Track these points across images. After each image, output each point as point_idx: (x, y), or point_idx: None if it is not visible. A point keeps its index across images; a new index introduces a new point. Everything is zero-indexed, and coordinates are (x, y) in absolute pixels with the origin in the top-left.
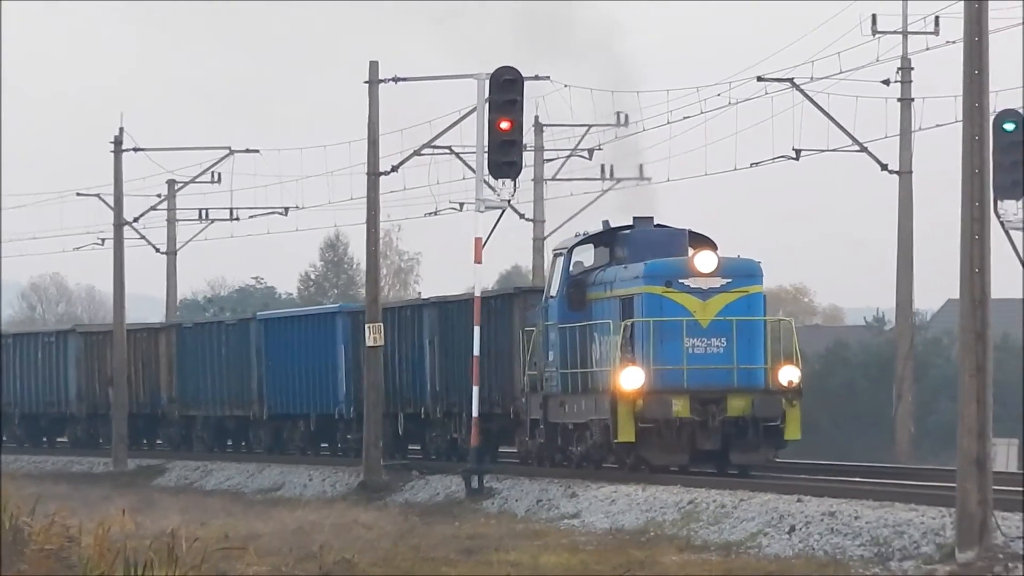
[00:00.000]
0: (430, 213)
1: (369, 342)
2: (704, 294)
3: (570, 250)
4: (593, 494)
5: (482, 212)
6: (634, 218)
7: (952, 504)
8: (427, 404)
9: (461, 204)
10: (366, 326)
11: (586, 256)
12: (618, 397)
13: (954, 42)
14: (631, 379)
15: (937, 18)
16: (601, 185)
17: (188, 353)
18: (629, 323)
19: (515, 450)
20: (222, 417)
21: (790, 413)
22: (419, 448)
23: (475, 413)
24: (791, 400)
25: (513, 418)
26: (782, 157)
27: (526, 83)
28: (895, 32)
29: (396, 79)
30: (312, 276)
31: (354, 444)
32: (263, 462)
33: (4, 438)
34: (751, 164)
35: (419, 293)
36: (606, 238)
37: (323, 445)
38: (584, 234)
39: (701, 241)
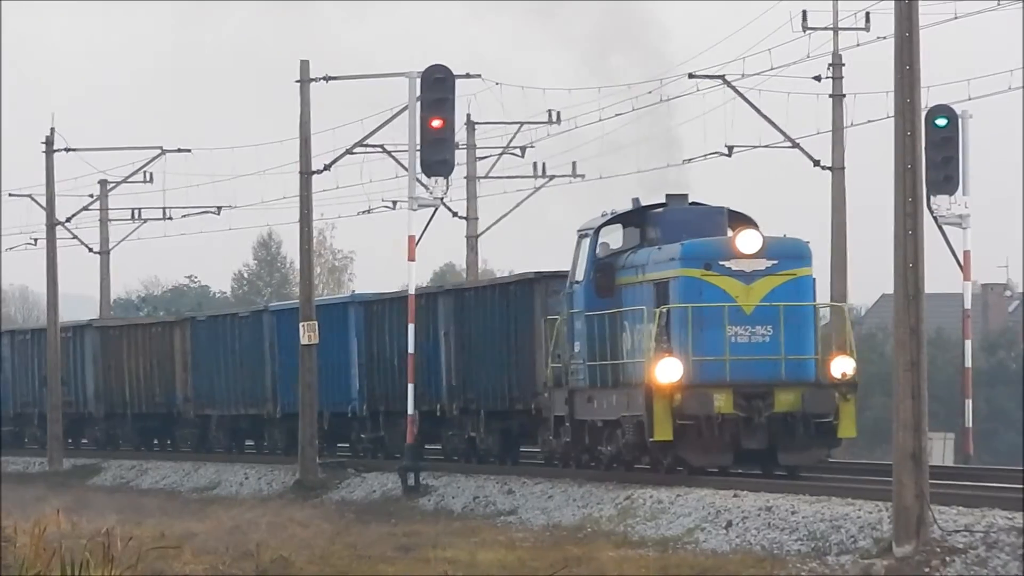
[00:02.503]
0: (363, 211)
1: (304, 340)
2: (748, 277)
3: (596, 231)
4: (530, 490)
5: (415, 210)
6: (667, 195)
7: (889, 498)
8: (443, 401)
9: (394, 202)
10: (300, 324)
11: (614, 237)
12: (653, 391)
13: (885, 38)
14: (668, 371)
15: (868, 14)
16: (534, 183)
17: (202, 349)
18: (664, 310)
19: (538, 450)
20: (236, 416)
21: (844, 408)
22: (438, 448)
23: (410, 411)
24: (845, 394)
25: (535, 415)
26: (714, 154)
27: (457, 81)
28: (826, 28)
29: (327, 78)
30: (246, 275)
31: (369, 445)
32: (198, 460)
33: (25, 440)
34: (683, 161)
35: (353, 291)
36: (636, 217)
37: (340, 445)
38: (612, 213)
39: (741, 220)
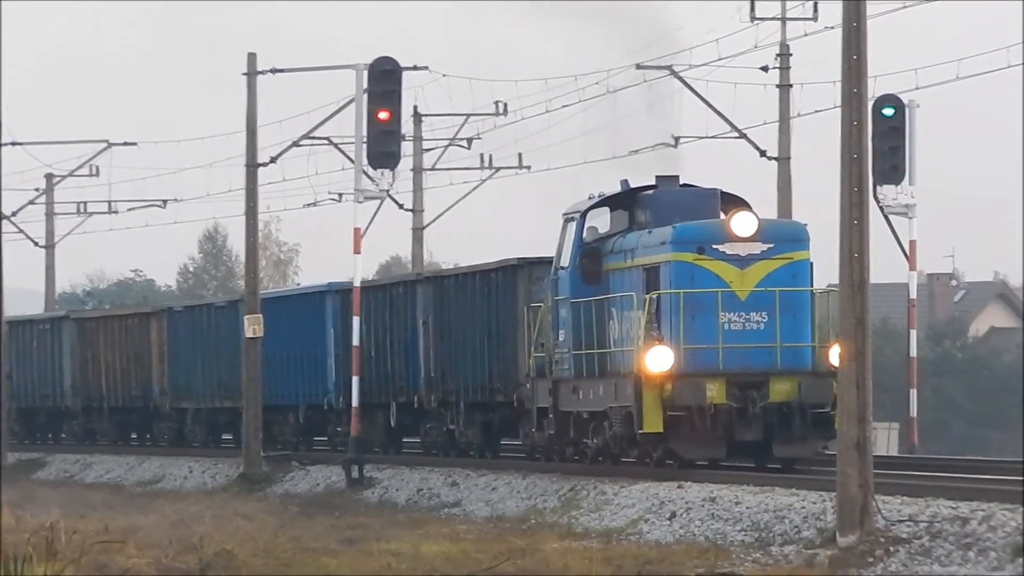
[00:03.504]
0: (309, 204)
1: (248, 333)
2: (742, 262)
3: (583, 214)
4: (474, 482)
5: (361, 202)
6: (657, 177)
7: (833, 489)
8: (421, 392)
9: (340, 195)
10: (245, 317)
11: (601, 221)
12: (643, 381)
13: (833, 28)
14: (658, 360)
15: (816, 4)
16: (480, 174)
17: (178, 340)
18: (654, 296)
19: (519, 443)
20: (213, 409)
21: None
22: (417, 441)
23: (355, 403)
24: None
25: (517, 407)
26: (661, 144)
27: (404, 73)
28: (773, 19)
29: (274, 70)
30: (191, 268)
31: (346, 438)
32: (142, 454)
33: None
34: (630, 152)
35: (298, 283)
36: (625, 200)
37: (316, 439)
38: (599, 196)
39: (734, 202)
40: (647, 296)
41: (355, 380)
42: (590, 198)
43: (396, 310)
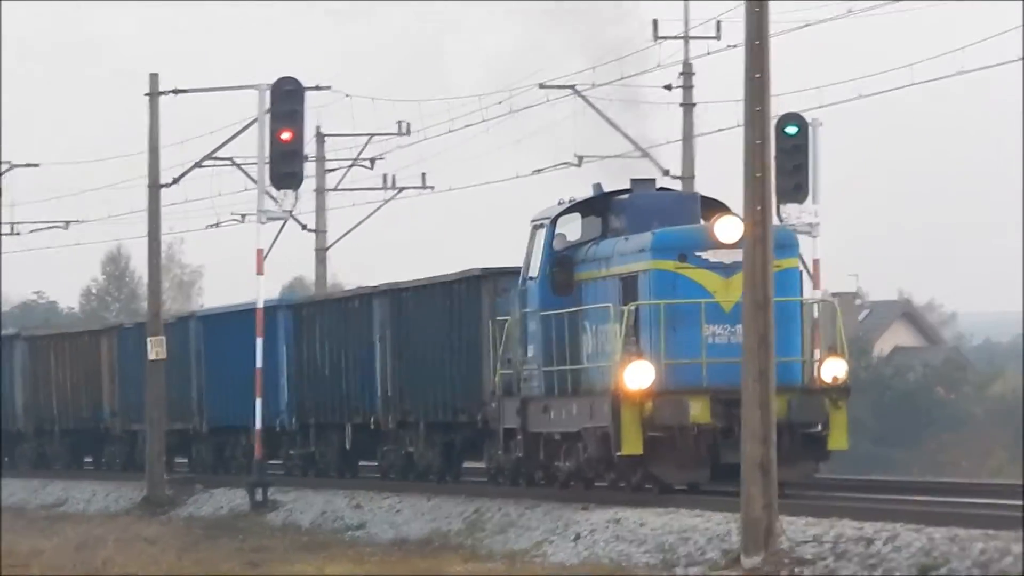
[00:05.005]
0: (212, 225)
1: (151, 356)
2: (726, 270)
3: (553, 220)
4: (378, 505)
5: (264, 223)
6: (632, 180)
7: (737, 510)
8: (378, 413)
9: (243, 216)
10: (148, 339)
11: (572, 228)
12: (621, 399)
13: (735, 46)
14: (637, 376)
15: (719, 23)
16: (383, 195)
17: (129, 359)
18: (633, 307)
19: (484, 465)
20: (166, 432)
21: (835, 417)
22: (375, 465)
23: (258, 425)
24: (836, 401)
25: (482, 427)
26: (564, 164)
27: (307, 93)
28: (677, 37)
29: (176, 91)
30: (94, 290)
31: (299, 461)
32: (46, 477)
33: None
34: (533, 171)
35: (202, 305)
36: (598, 205)
37: (270, 463)
38: (570, 201)
39: (715, 207)
40: (625, 308)
41: (258, 402)
42: (560, 203)
43: (351, 325)
